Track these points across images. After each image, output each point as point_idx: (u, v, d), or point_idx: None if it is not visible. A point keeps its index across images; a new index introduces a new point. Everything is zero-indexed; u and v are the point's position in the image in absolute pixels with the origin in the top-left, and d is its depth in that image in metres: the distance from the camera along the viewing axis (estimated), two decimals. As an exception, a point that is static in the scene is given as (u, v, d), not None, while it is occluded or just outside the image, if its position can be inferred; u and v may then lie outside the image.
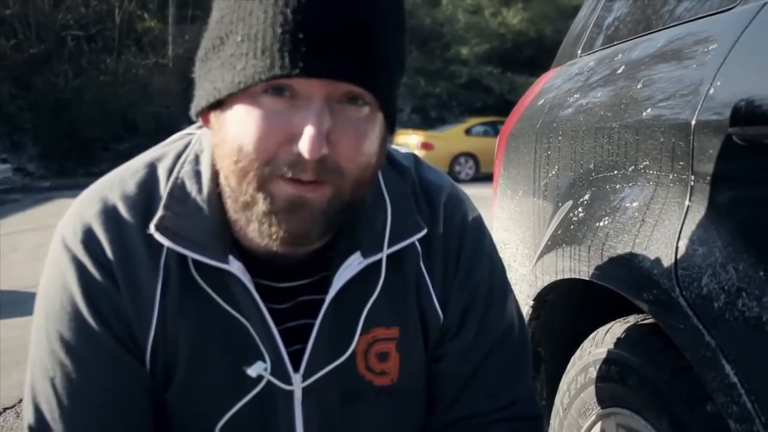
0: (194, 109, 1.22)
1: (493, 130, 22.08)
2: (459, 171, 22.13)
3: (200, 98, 1.19)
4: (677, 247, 1.42)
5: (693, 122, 1.44)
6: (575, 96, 2.15)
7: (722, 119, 1.30)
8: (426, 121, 32.19)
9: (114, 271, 1.26)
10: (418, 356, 1.42)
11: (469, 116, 26.57)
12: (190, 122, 1.39)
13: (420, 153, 21.87)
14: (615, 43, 2.13)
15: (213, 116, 1.20)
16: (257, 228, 1.18)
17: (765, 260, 1.22)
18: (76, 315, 1.26)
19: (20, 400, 4.90)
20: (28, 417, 1.30)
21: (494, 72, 31.74)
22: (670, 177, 1.52)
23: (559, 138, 2.12)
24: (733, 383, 1.24)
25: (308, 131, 1.08)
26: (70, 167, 29.98)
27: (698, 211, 1.40)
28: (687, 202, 1.44)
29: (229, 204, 1.23)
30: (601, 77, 2.06)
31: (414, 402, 1.45)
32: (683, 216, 1.44)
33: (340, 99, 1.12)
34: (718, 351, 1.27)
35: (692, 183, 1.44)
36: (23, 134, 31.73)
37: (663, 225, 1.49)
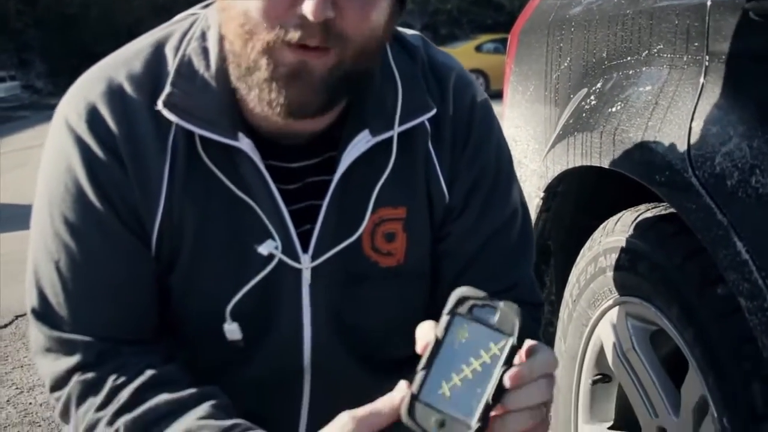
0: None
1: (504, 47, 22.06)
2: (469, 87, 22.23)
3: None
4: (691, 128, 1.42)
5: (708, 1, 1.43)
6: (589, -14, 2.13)
7: (738, -4, 1.29)
8: (436, 38, 32.01)
9: (120, 152, 1.25)
10: (425, 237, 1.43)
11: (479, 33, 26.43)
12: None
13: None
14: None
15: None
16: (257, 95, 1.18)
17: (780, 136, 1.22)
18: (81, 197, 1.26)
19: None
20: (32, 301, 1.30)
21: (505, -13, 31.55)
22: (685, 59, 1.51)
23: (572, 30, 2.10)
24: (744, 260, 1.25)
25: None
26: (79, 83, 30.23)
27: (713, 91, 1.40)
28: (701, 81, 1.44)
29: (232, 70, 1.22)
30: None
31: (419, 284, 1.46)
32: (697, 96, 1.44)
33: None
34: (730, 229, 1.28)
35: (707, 63, 1.44)
36: (30, 51, 31.76)
37: (676, 107, 1.49)
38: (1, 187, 11.32)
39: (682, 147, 1.43)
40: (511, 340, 0.97)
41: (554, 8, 2.29)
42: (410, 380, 1.02)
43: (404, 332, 1.34)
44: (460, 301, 1.01)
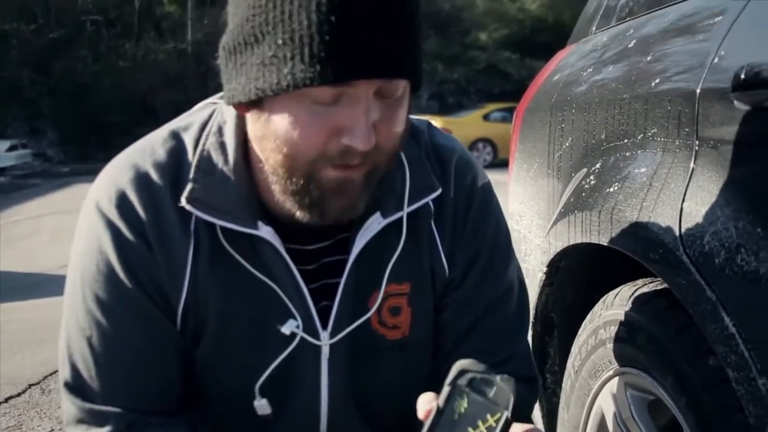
0: (229, 100, 1.29)
1: (511, 115, 22.09)
2: (477, 156, 22.15)
3: (235, 91, 1.25)
4: (682, 209, 1.50)
5: (698, 90, 1.52)
6: (589, 71, 2.24)
7: (725, 86, 1.38)
8: (444, 107, 32.17)
9: (148, 235, 1.34)
10: (428, 310, 1.52)
11: (487, 102, 26.59)
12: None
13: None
14: (627, 19, 2.21)
15: (252, 111, 1.27)
16: (308, 212, 1.29)
17: (763, 217, 1.30)
18: (111, 276, 1.35)
19: (45, 377, 5.03)
20: (64, 375, 1.39)
21: (512, 57, 31.78)
22: (677, 143, 1.60)
23: (573, 111, 2.20)
24: (731, 334, 1.32)
25: (361, 127, 1.18)
26: (90, 152, 30.09)
27: (702, 174, 1.48)
28: (692, 166, 1.52)
29: (276, 189, 1.30)
30: (613, 53, 2.15)
31: (423, 356, 1.54)
32: (688, 179, 1.52)
33: (381, 89, 1.20)
34: (718, 304, 1.35)
35: (697, 147, 1.52)
36: (42, 119, 31.91)
37: (669, 188, 1.57)
38: (17, 255, 11.40)
39: (674, 226, 1.51)
40: (506, 414, 1.05)
41: (557, 88, 2.39)
42: None
43: (410, 397, 1.42)
44: (461, 373, 1.09)
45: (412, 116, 1.56)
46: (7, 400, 4.60)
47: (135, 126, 28.49)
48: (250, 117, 1.29)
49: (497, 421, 1.05)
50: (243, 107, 1.28)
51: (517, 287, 1.60)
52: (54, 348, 4.40)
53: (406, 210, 1.43)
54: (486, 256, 1.54)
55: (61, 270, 10.37)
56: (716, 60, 1.49)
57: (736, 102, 1.35)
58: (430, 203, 1.48)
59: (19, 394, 4.70)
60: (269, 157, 1.27)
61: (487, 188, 1.58)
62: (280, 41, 1.15)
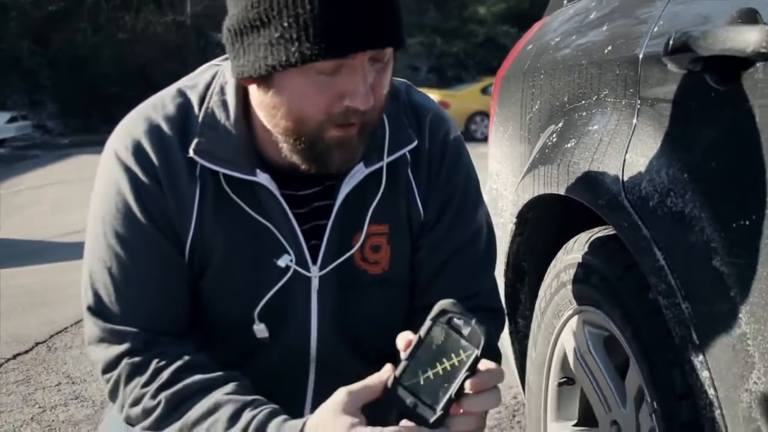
0: (239, 75, 1.48)
1: (509, 89, 22.22)
2: (475, 129, 22.29)
3: (244, 67, 1.44)
4: (625, 159, 1.69)
5: (640, 56, 1.71)
6: (556, 41, 2.43)
7: (659, 52, 1.57)
8: (443, 80, 32.10)
9: (160, 178, 1.55)
10: (405, 248, 1.72)
11: (485, 75, 26.62)
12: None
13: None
14: (592, -7, 2.41)
15: (259, 83, 1.47)
16: (313, 165, 1.52)
17: (687, 164, 1.50)
18: (129, 214, 1.55)
19: (50, 336, 5.22)
20: (87, 300, 1.59)
21: (511, 31, 31.68)
22: (623, 102, 1.79)
23: (542, 77, 2.39)
24: (661, 266, 1.51)
25: (361, 90, 1.40)
26: (89, 124, 30.08)
27: (642, 129, 1.67)
28: (634, 122, 1.71)
29: (285, 147, 1.52)
30: (577, 25, 2.35)
31: (401, 290, 1.75)
32: (631, 133, 1.71)
33: (373, 56, 1.41)
34: (652, 241, 1.54)
35: (638, 106, 1.71)
36: (42, 91, 31.86)
37: (615, 142, 1.76)
38: (18, 224, 11.56)
39: (617, 175, 1.70)
40: (476, 352, 1.26)
41: (530, 57, 2.59)
42: (395, 365, 1.32)
43: (391, 329, 1.66)
44: (443, 312, 1.30)
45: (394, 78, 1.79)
46: (14, 356, 4.79)
47: (134, 98, 28.21)
48: (256, 89, 1.49)
49: (468, 357, 1.27)
50: (249, 80, 1.48)
51: (485, 230, 1.81)
52: (57, 309, 4.65)
53: (386, 160, 1.64)
54: (457, 201, 1.74)
55: (61, 238, 10.56)
56: (656, 29, 1.68)
57: (669, 65, 1.55)
58: (407, 154, 1.68)
59: (26, 351, 4.90)
60: (278, 124, 1.48)
61: (459, 141, 1.78)
62: (285, 24, 1.35)
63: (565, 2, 2.70)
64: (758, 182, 1.27)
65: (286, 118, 1.46)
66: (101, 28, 31.62)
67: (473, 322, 1.28)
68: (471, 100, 23.05)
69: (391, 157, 1.65)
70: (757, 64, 1.29)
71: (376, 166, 1.63)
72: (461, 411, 1.30)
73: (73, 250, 9.54)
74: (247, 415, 1.43)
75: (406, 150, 1.67)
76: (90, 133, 28.65)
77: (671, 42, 1.49)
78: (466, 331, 1.28)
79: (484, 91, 23.16)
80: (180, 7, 31.97)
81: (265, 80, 1.45)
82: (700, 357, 1.41)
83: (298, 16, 1.34)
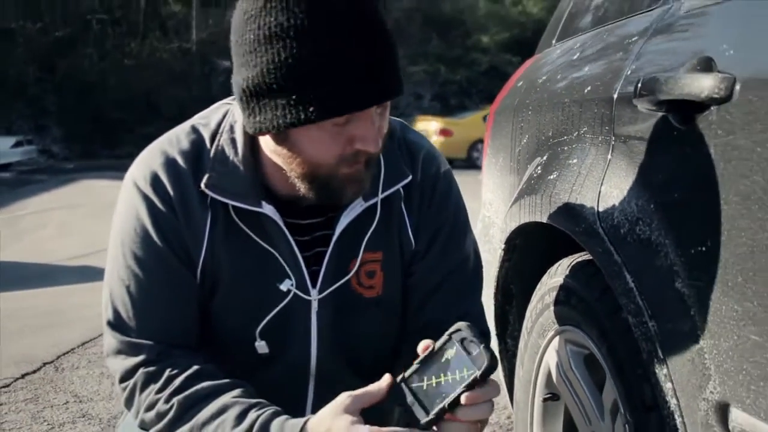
0: (255, 131, 1.61)
1: (510, 117, 22.28)
2: (477, 157, 22.35)
3: (262, 124, 1.57)
4: (600, 191, 1.85)
5: (615, 96, 1.87)
6: (543, 79, 2.60)
7: (630, 94, 1.73)
8: (446, 108, 32.17)
9: (175, 206, 1.71)
10: (397, 274, 1.88)
11: (488, 103, 26.72)
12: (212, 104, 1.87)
13: (438, 139, 22.10)
14: (578, 34, 2.57)
15: (274, 136, 1.62)
16: (327, 199, 1.69)
17: (654, 196, 1.65)
18: (146, 237, 1.71)
19: (57, 356, 5.28)
20: (107, 316, 1.74)
21: (513, 60, 31.79)
22: (600, 138, 1.94)
23: (530, 113, 2.55)
24: (630, 288, 1.66)
25: (372, 136, 1.57)
26: (94, 149, 30.17)
27: (616, 163, 1.83)
28: (609, 157, 1.87)
29: (302, 188, 1.67)
30: (561, 64, 2.52)
31: (394, 312, 1.90)
32: (606, 167, 1.87)
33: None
34: (622, 265, 1.69)
35: (613, 142, 1.87)
36: (48, 116, 31.92)
37: (592, 175, 1.92)
38: (25, 248, 11.69)
39: (593, 205, 1.86)
40: (477, 373, 1.45)
41: (519, 93, 2.75)
42: (393, 376, 1.50)
43: (384, 347, 1.86)
44: (459, 330, 1.50)
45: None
46: (23, 376, 4.86)
47: (139, 124, 28.49)
48: (270, 139, 1.64)
49: (469, 375, 1.46)
50: (263, 133, 1.63)
51: (472, 257, 1.96)
52: (64, 331, 4.78)
53: (380, 196, 1.80)
54: (447, 230, 1.90)
55: (67, 261, 10.68)
56: (629, 72, 1.84)
57: (638, 106, 1.71)
58: (401, 189, 1.84)
59: (34, 371, 4.98)
60: (294, 170, 1.65)
61: (449, 176, 1.94)
62: (300, 90, 1.50)
63: (553, 42, 2.86)
64: (712, 212, 1.42)
65: (302, 166, 1.62)
66: (107, 54, 31.79)
67: (482, 347, 1.46)
68: (474, 128, 23.16)
69: (386, 192, 1.81)
70: (711, 108, 1.44)
71: (372, 201, 1.79)
72: (457, 418, 1.48)
73: (78, 274, 9.69)
74: (252, 415, 1.58)
75: (400, 185, 1.83)
76: (95, 158, 28.80)
77: (639, 85, 1.66)
78: (474, 352, 1.47)
79: (486, 119, 23.17)
80: (185, 34, 32.13)
81: (280, 133, 1.60)
82: (665, 370, 1.55)
83: (311, 81, 1.49)
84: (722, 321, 1.39)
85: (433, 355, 1.51)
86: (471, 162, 21.79)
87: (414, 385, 1.50)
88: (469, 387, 1.45)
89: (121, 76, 30.80)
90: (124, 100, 29.97)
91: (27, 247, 11.92)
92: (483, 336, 1.93)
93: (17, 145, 27.43)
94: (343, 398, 1.52)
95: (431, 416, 1.47)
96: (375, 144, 1.57)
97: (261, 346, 1.79)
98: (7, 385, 4.69)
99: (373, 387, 1.55)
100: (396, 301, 1.90)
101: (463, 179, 1.99)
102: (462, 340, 1.48)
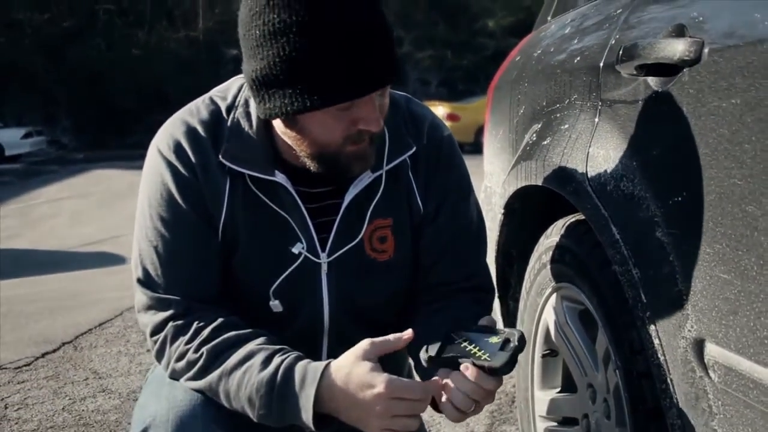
0: (266, 116, 1.75)
1: (517, 101, 22.26)
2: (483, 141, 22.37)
3: (272, 110, 1.70)
4: (588, 153, 1.98)
5: (601, 65, 2.00)
6: (538, 53, 2.72)
7: (614, 61, 1.87)
8: (453, 93, 32.09)
9: (197, 171, 1.84)
10: (407, 238, 2.00)
11: (495, 88, 26.56)
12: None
13: (446, 124, 21.97)
14: (571, 10, 2.70)
15: (284, 120, 1.75)
16: (335, 174, 1.81)
17: (635, 153, 1.78)
18: (171, 200, 1.84)
19: (76, 336, 5.43)
20: (137, 274, 1.86)
21: (519, 44, 31.65)
22: (588, 104, 2.07)
23: (526, 84, 2.68)
24: (616, 239, 1.78)
25: (374, 117, 1.70)
26: (103, 139, 30.19)
27: (602, 126, 1.96)
28: (596, 120, 2.00)
29: (311, 165, 1.80)
30: (554, 38, 2.64)
31: (405, 273, 2.03)
32: (593, 131, 1.99)
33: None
34: (609, 219, 1.82)
35: (600, 107, 2.00)
36: (57, 107, 31.86)
37: (581, 138, 2.05)
38: (40, 236, 11.82)
39: (582, 166, 1.99)
40: (494, 364, 1.60)
41: (517, 67, 2.88)
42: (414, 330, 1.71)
43: (395, 306, 2.01)
44: (512, 334, 1.66)
45: (396, 92, 2.07)
46: (43, 355, 5.00)
47: (148, 113, 28.33)
48: (281, 122, 1.78)
49: (487, 361, 1.61)
50: (273, 118, 1.77)
51: (477, 218, 2.09)
52: (81, 313, 4.94)
53: (385, 168, 1.93)
54: (454, 194, 2.03)
55: (80, 248, 10.81)
56: (613, 42, 1.97)
57: (621, 72, 1.85)
58: (407, 159, 1.97)
59: (54, 351, 5.12)
60: (304, 150, 1.78)
61: (452, 143, 2.07)
62: (307, 78, 1.63)
63: (549, 18, 2.99)
64: (686, 165, 1.55)
65: (311, 147, 1.75)
66: (115, 44, 31.81)
67: (509, 355, 1.61)
68: (480, 113, 22.82)
69: (391, 165, 1.93)
70: (684, 70, 1.57)
71: (379, 173, 1.92)
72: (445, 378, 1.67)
73: (92, 259, 9.84)
74: (276, 359, 1.70)
75: (405, 156, 1.95)
76: (104, 148, 28.83)
77: (621, 52, 1.79)
78: (505, 349, 1.62)
79: (493, 100, 23.15)
80: (193, 23, 32.12)
81: (288, 118, 1.74)
82: (648, 313, 1.68)
83: (317, 71, 1.62)
84: (697, 264, 1.52)
85: (483, 332, 1.69)
86: (478, 146, 21.60)
87: (455, 337, 1.69)
88: (482, 368, 1.61)
89: (129, 65, 30.85)
90: (132, 90, 30.01)
91: (41, 235, 12.08)
92: (489, 291, 2.07)
93: (27, 136, 27.49)
94: (364, 344, 1.68)
95: (433, 354, 1.66)
96: (377, 123, 1.70)
97: (275, 305, 1.91)
98: (29, 364, 4.81)
99: (393, 336, 1.71)
100: (407, 263, 2.02)
101: (470, 162, 2.11)
102: (506, 341, 1.64)
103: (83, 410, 4.01)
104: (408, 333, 1.70)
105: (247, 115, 1.87)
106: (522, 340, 1.63)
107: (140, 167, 1.96)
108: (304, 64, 1.61)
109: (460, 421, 1.69)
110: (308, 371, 1.68)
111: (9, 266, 9.31)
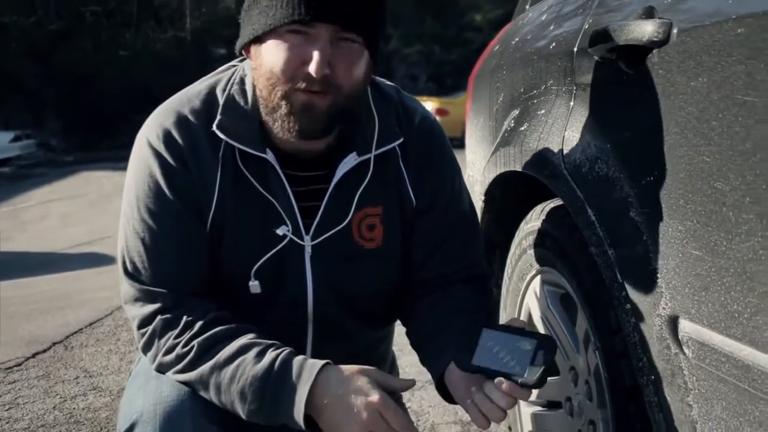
0: (239, 45, 1.83)
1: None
2: (472, 136, 22.39)
3: (243, 37, 1.80)
4: (564, 136, 2.00)
5: (575, 49, 2.02)
6: (516, 40, 2.74)
7: (586, 46, 1.89)
8: (442, 88, 32.15)
9: (187, 161, 1.85)
10: (396, 228, 2.01)
11: (483, 82, 26.59)
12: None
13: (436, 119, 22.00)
14: (547, -2, 2.73)
15: (252, 49, 1.81)
16: (280, 125, 1.79)
17: (609, 135, 1.80)
18: (159, 192, 1.84)
19: (66, 336, 5.43)
20: (124, 266, 1.87)
21: (507, 38, 31.68)
22: (563, 89, 2.09)
23: (504, 72, 2.70)
24: (592, 221, 1.81)
25: (316, 57, 1.70)
26: (93, 141, 30.19)
27: (577, 110, 1.98)
28: (571, 104, 2.02)
29: (261, 108, 1.83)
30: (532, 26, 2.66)
31: (392, 263, 2.04)
32: (569, 114, 2.02)
33: (339, 37, 1.73)
34: (585, 201, 1.84)
35: (575, 91, 2.02)
36: (45, 110, 31.82)
37: (557, 122, 2.07)
38: (30, 238, 11.84)
39: (558, 150, 2.01)
40: (520, 380, 1.62)
41: (495, 56, 2.90)
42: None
43: (381, 295, 2.04)
44: (549, 341, 1.68)
45: (385, 81, 2.08)
46: (34, 355, 5.00)
47: (136, 114, 28.35)
48: (252, 56, 1.82)
49: (515, 374, 1.63)
50: (248, 51, 1.83)
51: (469, 209, 2.12)
52: (72, 313, 4.94)
53: (374, 152, 1.94)
54: (448, 188, 2.05)
55: (70, 249, 10.81)
56: (586, 27, 1.98)
57: (594, 55, 1.87)
58: (397, 148, 1.98)
59: (44, 350, 5.13)
60: (259, 82, 1.80)
61: (442, 135, 2.10)
62: None
63: (527, 7, 3.01)
64: (657, 144, 1.57)
65: (264, 78, 1.76)
66: (102, 45, 31.77)
67: (542, 369, 1.62)
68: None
69: (379, 150, 1.94)
70: (653, 51, 1.59)
71: (366, 157, 1.92)
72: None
73: (82, 260, 9.85)
74: (271, 353, 1.72)
75: (393, 145, 1.96)
76: (94, 149, 28.81)
77: (593, 35, 1.81)
78: (536, 363, 1.63)
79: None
80: (179, 23, 32.09)
81: (256, 47, 1.79)
82: (624, 293, 1.70)
83: None
84: (669, 242, 1.54)
85: (519, 333, 1.70)
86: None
87: (488, 336, 1.71)
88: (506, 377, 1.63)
89: (117, 67, 30.81)
90: (120, 91, 29.96)
91: (31, 238, 12.08)
92: (487, 280, 2.10)
93: (16, 139, 27.45)
94: (371, 368, 1.71)
95: (467, 363, 1.70)
96: (319, 68, 1.68)
97: (254, 286, 1.91)
98: (19, 364, 4.81)
99: (400, 380, 1.76)
100: (394, 253, 2.03)
101: (459, 157, 2.14)
102: (538, 349, 1.64)
103: (74, 408, 4.01)
104: (411, 381, 1.75)
105: (243, 92, 1.90)
106: (553, 350, 1.65)
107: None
108: None
109: (486, 428, 1.71)
110: (305, 367, 1.69)
111: (-1, 269, 9.31)
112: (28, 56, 31.09)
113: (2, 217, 14.63)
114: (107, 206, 15.15)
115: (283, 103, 1.75)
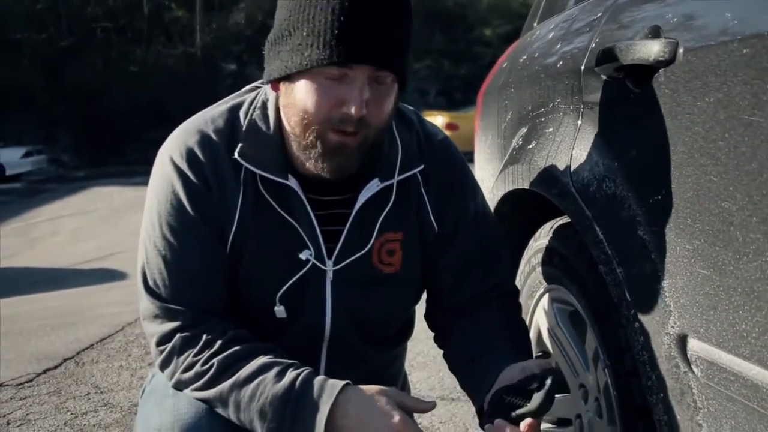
0: (266, 78, 1.82)
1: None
2: (482, 150, 22.38)
3: (272, 71, 1.78)
4: (572, 155, 2.00)
5: (582, 68, 2.03)
6: (523, 58, 2.75)
7: (593, 64, 1.90)
8: (451, 102, 32.17)
9: (209, 181, 1.85)
10: (415, 253, 2.02)
11: (493, 97, 26.63)
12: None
13: (446, 134, 22.04)
14: (555, 15, 2.73)
15: (283, 86, 1.79)
16: (314, 164, 1.80)
17: (617, 154, 1.80)
18: (181, 210, 1.84)
19: (77, 352, 5.43)
20: (144, 282, 1.87)
21: (516, 52, 31.69)
22: (571, 107, 2.10)
23: (512, 90, 2.71)
24: (600, 239, 1.81)
25: (356, 99, 1.69)
26: (103, 156, 30.28)
27: (584, 129, 1.99)
28: (579, 122, 2.03)
29: (294, 146, 1.83)
30: (539, 44, 2.66)
31: (410, 287, 2.06)
32: (576, 133, 2.02)
33: (373, 76, 1.72)
34: (593, 219, 1.85)
35: (582, 109, 2.02)
36: (56, 126, 31.93)
37: (565, 141, 2.07)
38: (40, 254, 11.86)
39: (566, 168, 2.01)
40: (530, 410, 1.65)
41: (504, 74, 2.91)
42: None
43: (397, 319, 2.05)
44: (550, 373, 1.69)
45: (405, 106, 2.09)
46: (45, 371, 5.00)
47: (146, 130, 28.40)
48: (281, 90, 1.81)
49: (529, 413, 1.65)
50: (276, 84, 1.81)
51: (493, 226, 2.12)
52: (82, 329, 4.96)
53: (396, 178, 1.94)
54: (472, 212, 2.05)
55: (80, 265, 10.84)
56: (593, 46, 1.99)
57: (601, 74, 1.88)
58: (418, 174, 1.99)
59: (56, 367, 5.12)
60: (290, 119, 1.79)
61: (463, 161, 2.10)
62: (304, 34, 1.68)
63: (534, 24, 3.03)
64: (665, 163, 1.57)
65: (296, 115, 1.75)
66: (113, 62, 31.90)
67: (544, 391, 1.64)
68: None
69: (402, 176, 1.95)
70: (660, 70, 1.60)
71: (388, 183, 1.93)
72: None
73: (92, 276, 9.86)
74: (291, 373, 1.72)
75: (415, 171, 1.96)
76: (104, 165, 28.89)
77: (600, 55, 1.82)
78: (538, 393, 1.65)
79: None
80: (190, 39, 32.18)
81: (286, 84, 1.77)
82: (632, 311, 1.70)
83: (314, 28, 1.66)
84: (677, 260, 1.54)
85: (526, 381, 1.71)
86: (477, 155, 21.83)
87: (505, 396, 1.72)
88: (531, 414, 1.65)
89: (127, 83, 30.90)
90: (130, 107, 30.05)
91: (41, 253, 12.11)
92: (515, 294, 2.10)
93: (27, 155, 27.60)
94: (391, 389, 1.71)
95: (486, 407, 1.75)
96: (358, 108, 1.68)
97: (280, 311, 1.91)
98: (30, 381, 4.81)
99: (419, 401, 1.76)
100: (412, 278, 2.04)
101: (470, 172, 2.16)
102: (542, 384, 1.66)
103: (85, 425, 4.01)
104: (432, 404, 1.76)
105: (265, 117, 1.90)
106: (553, 379, 1.66)
107: (139, 183, 1.99)
108: (305, 21, 1.67)
109: None
110: (326, 387, 1.69)
111: (10, 285, 9.34)
112: (39, 72, 31.24)
113: (13, 233, 14.69)
114: (117, 222, 15.23)
115: (318, 142, 1.75)
